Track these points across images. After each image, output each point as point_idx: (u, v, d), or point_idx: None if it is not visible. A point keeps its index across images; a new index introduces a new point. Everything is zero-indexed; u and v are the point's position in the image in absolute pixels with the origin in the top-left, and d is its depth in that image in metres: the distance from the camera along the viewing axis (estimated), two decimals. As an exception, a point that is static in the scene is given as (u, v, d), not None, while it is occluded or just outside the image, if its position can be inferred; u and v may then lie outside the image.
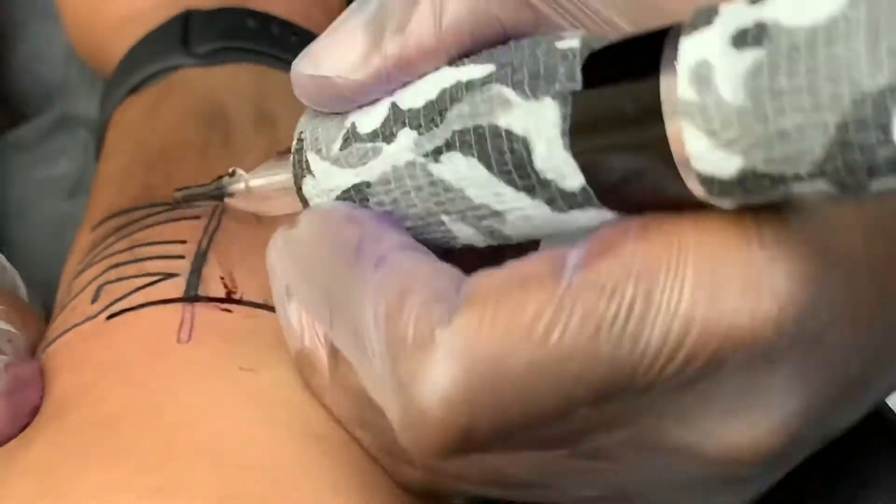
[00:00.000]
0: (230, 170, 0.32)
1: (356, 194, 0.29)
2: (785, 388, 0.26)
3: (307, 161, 0.30)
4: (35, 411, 0.33)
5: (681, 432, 0.26)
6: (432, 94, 0.27)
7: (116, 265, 0.36)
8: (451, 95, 0.27)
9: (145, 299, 0.34)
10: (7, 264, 0.38)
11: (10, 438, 0.32)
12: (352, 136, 0.29)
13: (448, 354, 0.25)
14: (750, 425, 0.26)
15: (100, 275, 0.36)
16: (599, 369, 0.24)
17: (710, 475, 0.27)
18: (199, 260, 0.35)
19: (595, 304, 0.24)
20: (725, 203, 0.23)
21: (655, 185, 0.24)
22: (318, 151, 0.29)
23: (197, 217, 0.37)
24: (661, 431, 0.26)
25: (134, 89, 0.44)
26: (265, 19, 0.45)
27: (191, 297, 0.34)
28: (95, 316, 0.34)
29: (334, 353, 0.30)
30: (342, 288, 0.27)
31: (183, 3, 0.45)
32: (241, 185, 0.31)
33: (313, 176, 0.30)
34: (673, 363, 0.24)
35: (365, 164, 0.28)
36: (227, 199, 0.32)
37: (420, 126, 0.27)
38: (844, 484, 0.36)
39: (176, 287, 0.34)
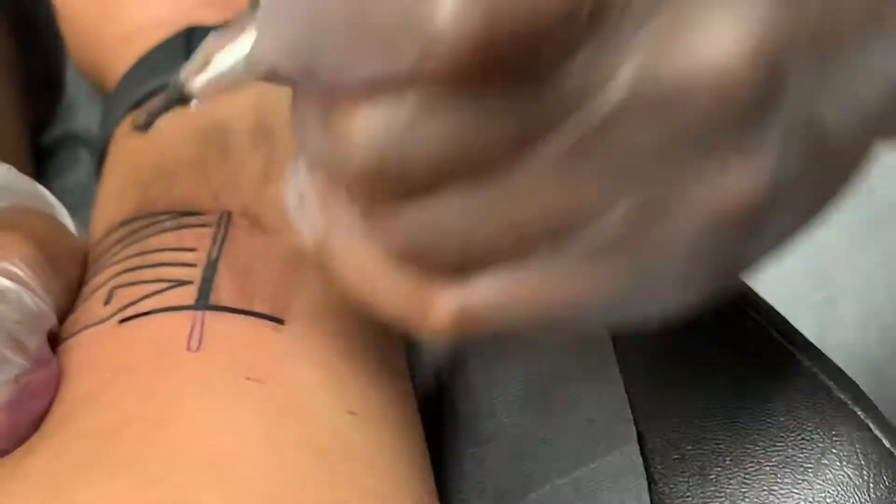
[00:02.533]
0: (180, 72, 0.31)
1: None
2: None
3: None
4: (39, 421, 0.33)
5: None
6: None
7: (129, 269, 0.36)
8: None
9: (157, 305, 0.34)
10: (53, 200, 0.38)
11: (6, 453, 0.32)
12: None
13: None
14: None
15: (112, 278, 0.36)
16: None
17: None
18: (210, 269, 0.35)
19: None
20: None
21: None
22: None
23: (203, 226, 0.37)
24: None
25: (135, 106, 0.44)
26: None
27: (202, 304, 0.34)
28: (108, 319, 0.34)
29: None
30: None
31: (185, 19, 0.45)
32: (201, 78, 0.31)
33: None
34: None
35: None
36: (193, 102, 0.31)
37: None
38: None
39: (188, 294, 0.34)
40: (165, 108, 0.32)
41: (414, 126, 0.25)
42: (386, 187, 0.27)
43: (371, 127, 0.25)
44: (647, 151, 0.26)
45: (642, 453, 0.40)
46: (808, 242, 0.54)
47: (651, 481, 0.40)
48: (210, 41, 0.30)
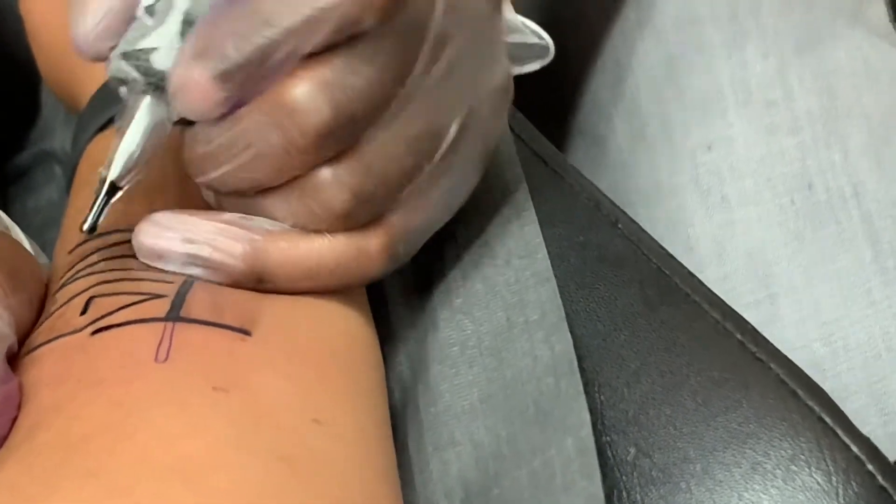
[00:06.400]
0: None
1: None
2: None
3: None
4: (1, 441, 0.32)
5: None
6: None
7: (109, 281, 0.36)
8: None
9: (130, 317, 0.34)
10: (9, 222, 0.38)
11: None
12: None
13: None
14: None
15: (92, 287, 0.36)
16: None
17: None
18: (187, 284, 0.35)
19: None
20: None
21: None
22: None
23: None
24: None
25: (103, 127, 0.44)
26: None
27: (172, 316, 0.34)
28: (81, 329, 0.34)
29: None
30: None
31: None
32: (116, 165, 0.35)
33: None
34: None
35: None
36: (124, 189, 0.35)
37: None
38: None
39: (160, 306, 0.35)
40: (102, 207, 0.35)
41: (345, 81, 0.34)
42: (339, 137, 0.34)
43: (316, 89, 0.33)
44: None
45: (614, 463, 0.40)
46: (748, 241, 0.55)
47: (622, 490, 0.40)
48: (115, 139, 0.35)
